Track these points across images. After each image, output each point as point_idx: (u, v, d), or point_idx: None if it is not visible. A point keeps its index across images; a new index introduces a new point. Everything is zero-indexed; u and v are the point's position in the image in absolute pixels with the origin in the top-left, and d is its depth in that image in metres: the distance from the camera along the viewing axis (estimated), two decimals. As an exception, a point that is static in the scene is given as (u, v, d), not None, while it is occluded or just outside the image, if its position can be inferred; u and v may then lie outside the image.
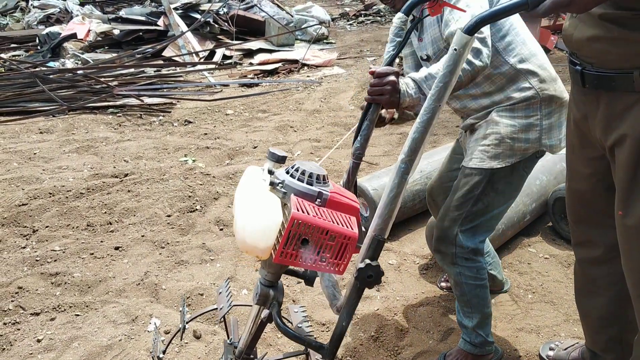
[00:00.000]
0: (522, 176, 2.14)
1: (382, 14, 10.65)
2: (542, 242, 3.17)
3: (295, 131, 5.19)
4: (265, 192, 1.43)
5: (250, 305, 1.96)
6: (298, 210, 1.36)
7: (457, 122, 5.16)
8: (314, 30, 8.85)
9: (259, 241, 1.41)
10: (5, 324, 2.66)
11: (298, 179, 1.46)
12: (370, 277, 1.46)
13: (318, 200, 1.45)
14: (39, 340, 2.55)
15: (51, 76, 6.51)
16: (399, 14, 1.79)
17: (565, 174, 1.95)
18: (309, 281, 1.69)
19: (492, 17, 1.34)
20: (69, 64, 7.49)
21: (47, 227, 3.54)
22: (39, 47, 8.46)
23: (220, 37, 8.60)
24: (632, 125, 1.52)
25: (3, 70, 6.87)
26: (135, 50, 7.88)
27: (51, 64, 7.48)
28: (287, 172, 1.49)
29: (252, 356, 1.72)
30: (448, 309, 2.66)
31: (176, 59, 7.76)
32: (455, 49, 1.36)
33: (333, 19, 10.24)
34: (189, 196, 3.87)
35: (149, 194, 3.93)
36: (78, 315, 2.73)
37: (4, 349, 2.51)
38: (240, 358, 1.69)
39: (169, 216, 3.65)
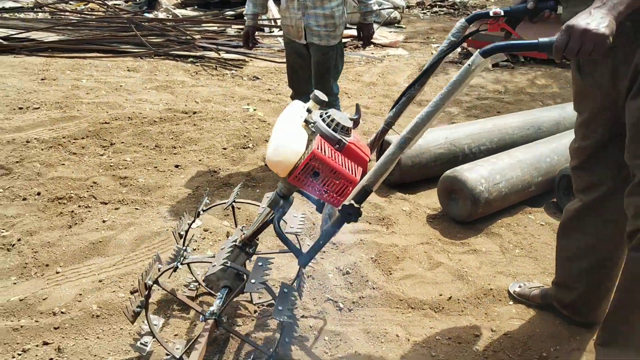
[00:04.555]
0: None
1: (456, 7, 10.86)
2: (543, 213, 3.48)
3: (349, 97, 5.64)
4: (299, 126, 1.82)
5: (249, 203, 2.48)
6: (318, 149, 1.72)
7: (469, 102, 5.45)
8: (387, 14, 9.21)
9: (282, 162, 1.79)
10: (79, 206, 3.28)
11: (327, 124, 1.82)
12: (349, 214, 1.76)
13: (337, 145, 1.80)
14: (104, 221, 3.15)
15: (144, 24, 7.22)
16: (462, 20, 2.02)
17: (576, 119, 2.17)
18: (319, 208, 2.08)
19: (508, 48, 1.49)
20: (161, 16, 8.21)
21: (122, 142, 4.17)
22: (137, 0, 9.25)
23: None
24: None
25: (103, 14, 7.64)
26: (221, 11, 8.52)
27: (146, 14, 8.22)
28: (321, 116, 1.85)
29: (253, 244, 2.16)
30: (443, 250, 3.06)
31: (256, 23, 8.33)
32: (469, 65, 1.56)
33: (409, 7, 10.56)
34: (244, 135, 4.42)
35: (210, 129, 4.50)
36: (137, 209, 3.31)
37: (76, 223, 3.12)
38: (243, 242, 2.14)
39: (224, 149, 4.20)
